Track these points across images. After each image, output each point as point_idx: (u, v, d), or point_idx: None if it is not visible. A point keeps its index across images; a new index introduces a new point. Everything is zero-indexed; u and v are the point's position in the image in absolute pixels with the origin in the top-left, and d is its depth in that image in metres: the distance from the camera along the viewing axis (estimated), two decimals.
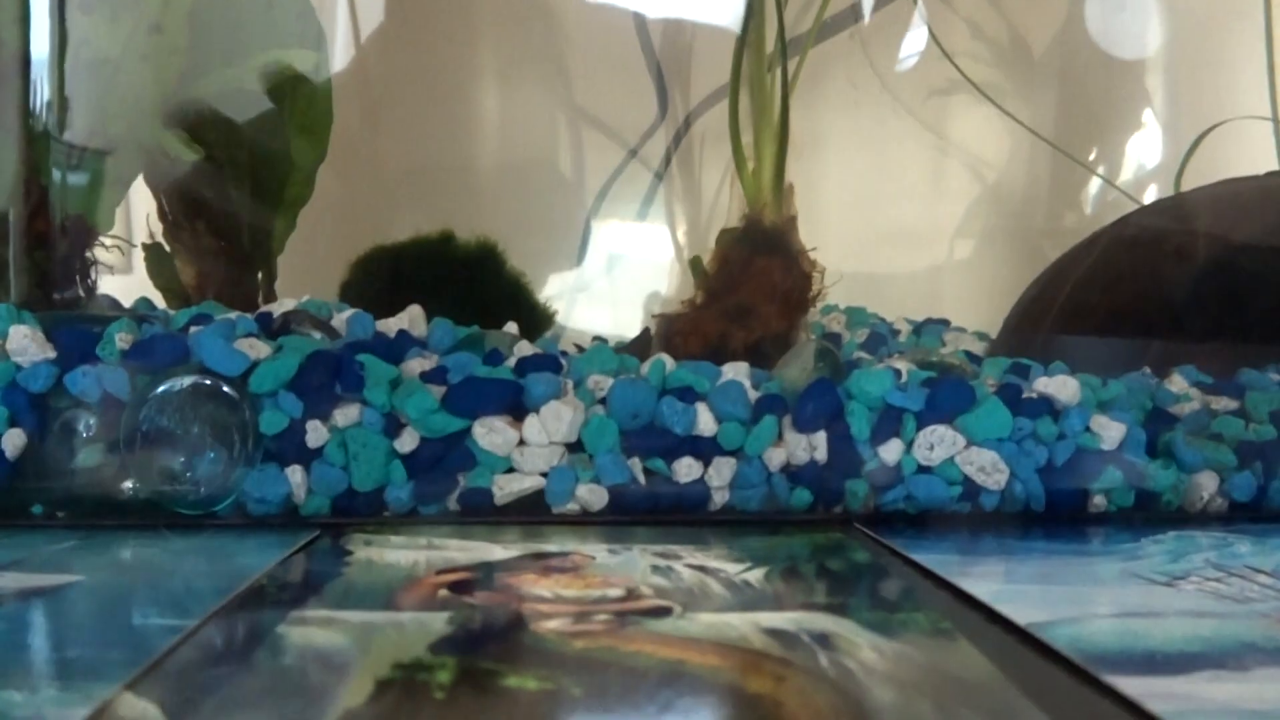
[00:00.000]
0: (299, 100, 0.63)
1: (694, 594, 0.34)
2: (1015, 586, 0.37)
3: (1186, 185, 0.77)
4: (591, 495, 0.46)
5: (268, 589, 0.35)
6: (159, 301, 0.63)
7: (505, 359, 0.50)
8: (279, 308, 0.55)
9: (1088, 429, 0.48)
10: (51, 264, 0.57)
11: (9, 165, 0.56)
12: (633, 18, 0.79)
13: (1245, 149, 0.78)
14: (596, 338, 0.74)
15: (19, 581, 0.35)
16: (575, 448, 0.46)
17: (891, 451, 0.47)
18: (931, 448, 0.47)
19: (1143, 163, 0.86)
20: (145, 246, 0.64)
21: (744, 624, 0.31)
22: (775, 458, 0.47)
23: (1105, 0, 0.83)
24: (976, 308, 0.78)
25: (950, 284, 0.85)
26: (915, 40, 0.82)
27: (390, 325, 0.55)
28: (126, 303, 0.60)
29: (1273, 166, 0.75)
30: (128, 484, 0.44)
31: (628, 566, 0.38)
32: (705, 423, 0.47)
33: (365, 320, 0.54)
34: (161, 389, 0.44)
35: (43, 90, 0.56)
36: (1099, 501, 0.49)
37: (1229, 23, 0.84)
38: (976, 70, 0.82)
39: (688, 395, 0.47)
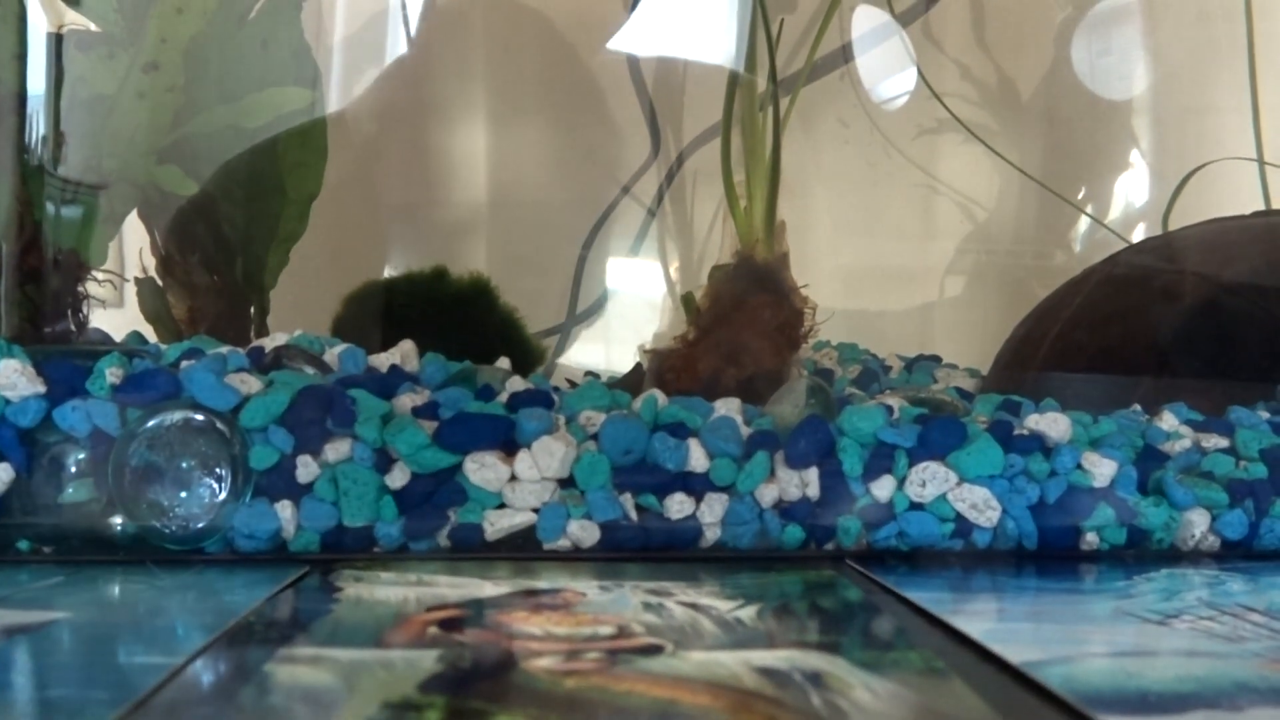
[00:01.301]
0: (293, 136, 0.64)
1: (685, 632, 0.34)
2: (1008, 625, 0.37)
3: (1174, 225, 0.77)
4: (583, 531, 0.46)
5: (255, 626, 0.34)
6: (151, 336, 0.63)
7: (497, 395, 0.50)
8: (271, 342, 0.55)
9: (1079, 466, 0.48)
10: (43, 298, 0.57)
11: (3, 200, 0.56)
12: (625, 57, 0.80)
13: (1231, 189, 0.79)
14: (589, 373, 0.74)
15: (3, 619, 0.35)
16: (567, 484, 0.46)
17: (883, 488, 0.47)
18: (924, 484, 0.47)
19: (1131, 202, 0.87)
20: (137, 281, 0.64)
21: (736, 663, 0.31)
22: (767, 494, 0.47)
23: (1092, 43, 0.84)
24: (968, 345, 0.78)
25: (941, 321, 0.85)
26: (905, 80, 0.83)
27: (382, 360, 0.55)
28: (119, 337, 0.60)
29: (1258, 206, 0.76)
30: (116, 519, 0.44)
31: (619, 604, 0.38)
32: (697, 459, 0.46)
33: (357, 355, 0.54)
34: (151, 424, 0.44)
35: (38, 126, 0.57)
36: (1091, 539, 0.48)
37: (1214, 64, 0.85)
38: (965, 110, 0.83)
39: (680, 431, 0.47)
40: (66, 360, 0.46)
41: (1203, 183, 0.79)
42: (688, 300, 0.64)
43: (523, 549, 0.46)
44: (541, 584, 0.41)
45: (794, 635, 0.34)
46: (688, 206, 0.82)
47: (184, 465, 0.44)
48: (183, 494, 0.44)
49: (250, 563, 0.44)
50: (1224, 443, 0.53)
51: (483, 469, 0.45)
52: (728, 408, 0.50)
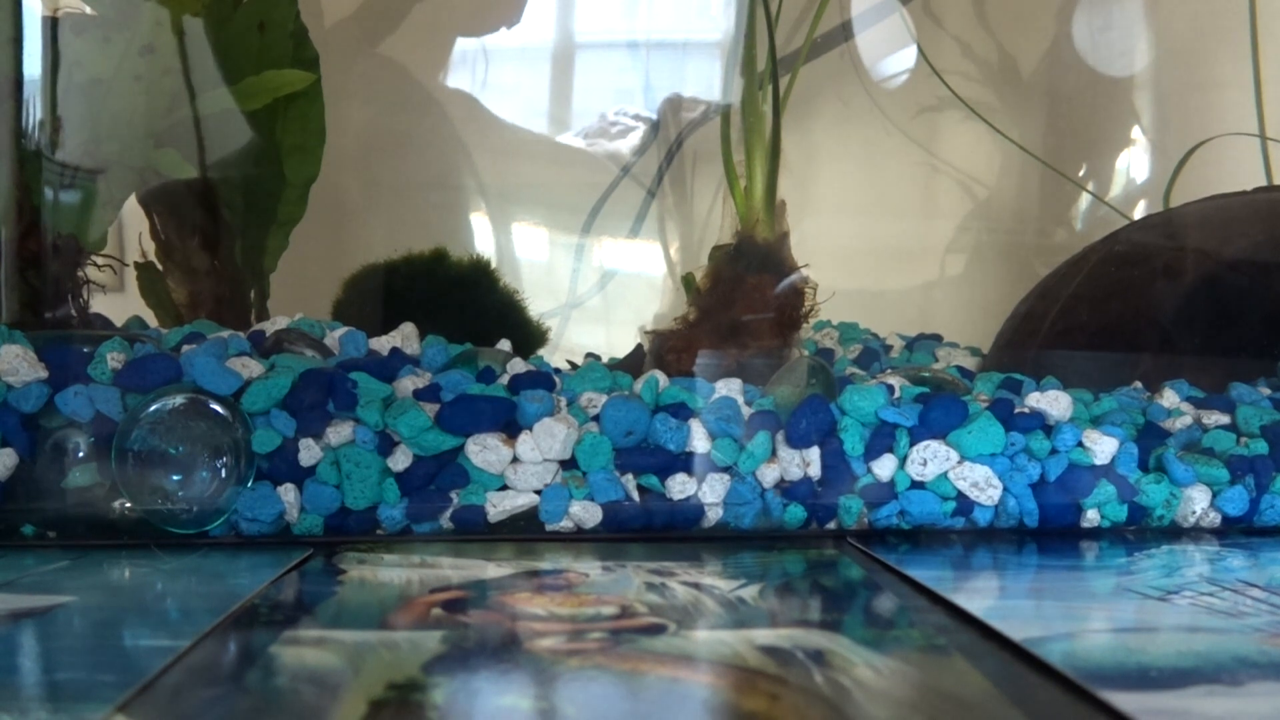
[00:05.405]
0: (292, 119, 0.63)
1: (688, 611, 0.34)
2: (1009, 602, 0.37)
3: (1175, 201, 0.77)
4: (585, 512, 0.46)
5: (260, 609, 0.35)
6: (151, 320, 0.63)
7: (498, 377, 0.50)
8: (272, 326, 0.55)
9: (1080, 444, 0.48)
10: (43, 284, 0.57)
11: (1, 185, 0.56)
12: (625, 36, 0.80)
13: (1233, 165, 0.79)
14: (590, 355, 0.74)
15: (9, 603, 0.35)
16: (569, 465, 0.46)
17: (885, 467, 0.47)
18: (925, 463, 0.47)
19: (1132, 179, 0.87)
20: (137, 265, 0.64)
21: (738, 641, 0.31)
22: (768, 474, 0.47)
23: (1093, 19, 0.84)
24: (969, 323, 0.78)
25: (942, 300, 0.85)
26: (905, 58, 0.83)
27: (383, 343, 0.55)
28: (119, 322, 0.60)
29: (1260, 182, 0.76)
30: (119, 504, 0.44)
31: (621, 584, 0.38)
32: (698, 439, 0.47)
33: (358, 338, 0.54)
34: (153, 408, 0.44)
35: (35, 110, 0.56)
36: (1092, 516, 0.49)
37: (1216, 40, 0.85)
38: (966, 88, 0.83)
39: (681, 412, 0.47)
40: (67, 345, 0.46)
41: (1205, 159, 0.79)
42: (688, 281, 0.64)
43: (525, 530, 0.46)
44: (544, 565, 0.41)
45: (796, 614, 0.35)
46: (688, 187, 0.81)
47: (186, 449, 0.44)
48: (186, 478, 0.44)
49: (254, 546, 0.44)
50: (1225, 419, 0.53)
51: (485, 451, 0.45)
52: (729, 388, 0.50)
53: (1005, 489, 0.47)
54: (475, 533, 0.46)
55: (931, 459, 0.47)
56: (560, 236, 0.81)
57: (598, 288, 0.81)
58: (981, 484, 0.47)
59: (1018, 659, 0.30)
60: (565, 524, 0.46)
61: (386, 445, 0.45)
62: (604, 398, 0.48)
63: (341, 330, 0.54)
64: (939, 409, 0.47)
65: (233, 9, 0.61)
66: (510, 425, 0.46)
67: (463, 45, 0.79)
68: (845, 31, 0.81)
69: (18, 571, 0.40)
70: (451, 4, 0.79)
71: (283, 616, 0.34)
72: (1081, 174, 0.86)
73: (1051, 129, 0.85)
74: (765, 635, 0.32)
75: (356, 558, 0.42)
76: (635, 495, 0.46)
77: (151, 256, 0.64)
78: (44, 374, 0.45)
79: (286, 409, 0.45)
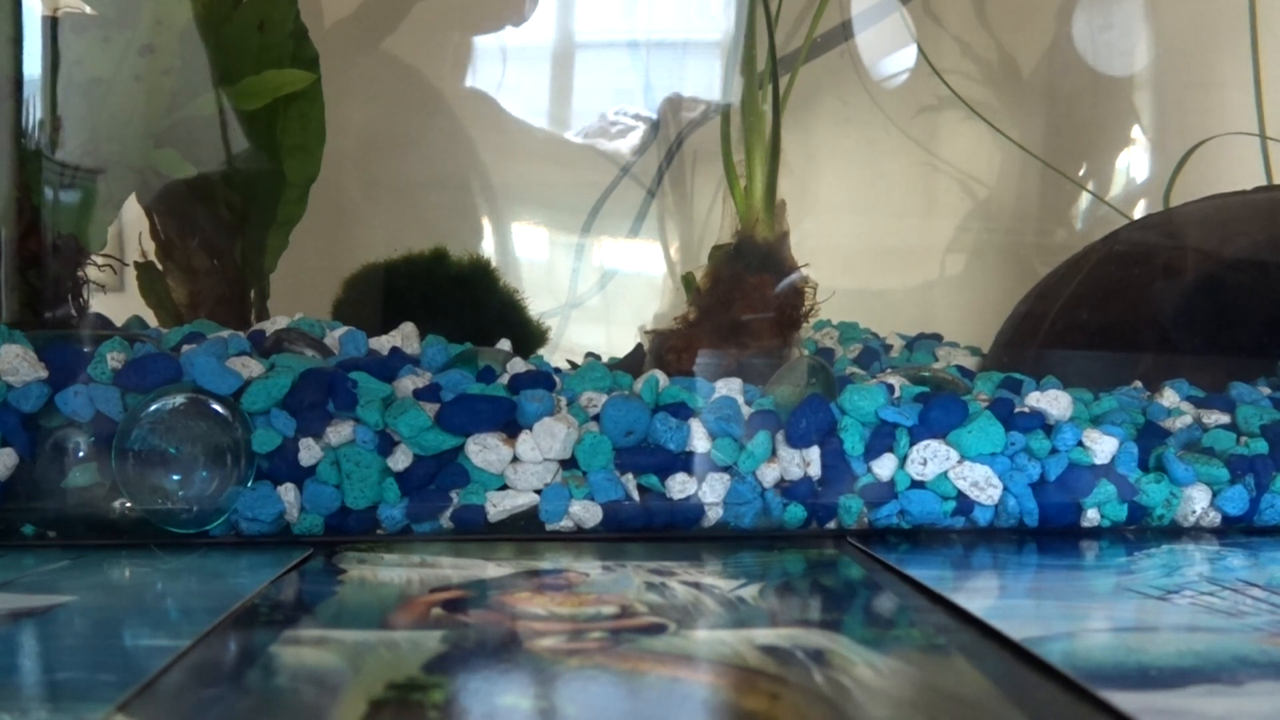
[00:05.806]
0: (292, 119, 0.63)
1: (688, 611, 0.34)
2: (1009, 601, 0.37)
3: (1175, 201, 0.77)
4: (585, 512, 0.46)
5: (260, 608, 0.35)
6: (151, 320, 0.63)
7: (498, 376, 0.50)
8: (272, 326, 0.55)
9: (1080, 444, 0.48)
10: (43, 283, 0.57)
11: (1, 185, 0.56)
12: (625, 36, 0.80)
13: (1233, 165, 0.79)
14: (590, 354, 0.74)
15: (9, 603, 0.35)
16: (569, 465, 0.46)
17: (885, 467, 0.47)
18: (925, 463, 0.47)
19: (1132, 178, 0.87)
20: (137, 265, 0.64)
21: (738, 641, 0.31)
22: (769, 474, 0.47)
23: (1093, 18, 0.84)
24: (969, 323, 0.78)
25: (942, 299, 0.85)
26: (905, 58, 0.83)
27: (383, 343, 0.55)
28: (119, 322, 0.60)
29: (1260, 182, 0.76)
30: (119, 503, 0.44)
31: (621, 584, 0.38)
32: (698, 439, 0.47)
33: (358, 338, 0.54)
34: (153, 408, 0.44)
35: (35, 110, 0.56)
36: (1092, 516, 0.49)
37: (1216, 40, 0.85)
38: (966, 87, 0.83)
39: (681, 412, 0.47)
40: (67, 345, 0.46)
41: (1204, 158, 0.79)
42: (688, 280, 0.64)
43: (525, 530, 0.46)
44: (544, 565, 0.41)
45: (796, 614, 0.35)
46: (688, 186, 0.81)
47: (186, 449, 0.44)
48: (186, 478, 0.44)
49: (254, 545, 0.44)
50: (1225, 419, 0.53)
51: (485, 451, 0.45)
52: (729, 388, 0.50)
53: (1005, 488, 0.47)
54: (475, 532, 0.46)
55: (931, 458, 0.47)
56: (560, 236, 0.81)
57: (598, 287, 0.81)
58: (981, 483, 0.47)
59: (1018, 659, 0.30)
60: (565, 523, 0.46)
61: (386, 445, 0.45)
62: (604, 397, 0.48)
63: (341, 330, 0.54)
64: (939, 408, 0.47)
65: (233, 8, 0.61)
66: (510, 425, 0.46)
67: (463, 45, 0.79)
68: (845, 31, 0.81)
69: (18, 571, 0.40)
70: (451, 3, 0.79)
71: (283, 616, 0.34)
72: (1081, 174, 0.86)
73: (1052, 128, 0.85)
74: (765, 635, 0.32)
75: (356, 557, 0.42)
76: (635, 495, 0.46)
77: (151, 256, 0.64)
78: (44, 374, 0.45)
79: (286, 409, 0.45)
